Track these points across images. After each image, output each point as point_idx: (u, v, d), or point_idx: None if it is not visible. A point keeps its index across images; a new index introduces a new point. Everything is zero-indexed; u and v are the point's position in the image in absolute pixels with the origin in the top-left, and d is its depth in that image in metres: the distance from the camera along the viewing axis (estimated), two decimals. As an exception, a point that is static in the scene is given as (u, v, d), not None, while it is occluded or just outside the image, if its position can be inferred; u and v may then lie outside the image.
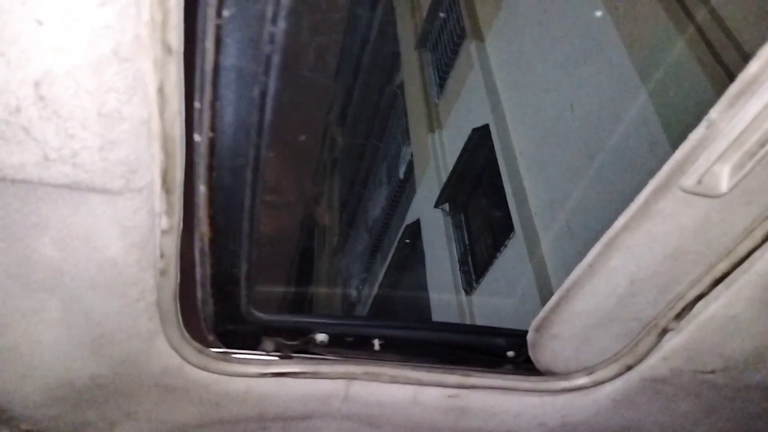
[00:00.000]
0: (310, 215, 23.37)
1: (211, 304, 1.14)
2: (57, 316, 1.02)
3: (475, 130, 7.93)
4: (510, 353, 1.30)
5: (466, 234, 8.58)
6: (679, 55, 5.27)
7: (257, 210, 1.05)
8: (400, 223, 11.67)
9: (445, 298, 8.51)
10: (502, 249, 7.38)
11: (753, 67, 0.77)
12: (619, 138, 5.86)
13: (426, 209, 9.72)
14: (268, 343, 1.24)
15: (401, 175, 12.07)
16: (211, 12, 0.75)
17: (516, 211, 7.07)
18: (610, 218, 1.01)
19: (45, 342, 1.06)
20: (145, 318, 1.04)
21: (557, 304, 1.14)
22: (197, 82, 0.82)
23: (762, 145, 0.83)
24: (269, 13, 0.78)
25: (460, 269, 8.24)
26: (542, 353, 1.26)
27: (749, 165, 0.85)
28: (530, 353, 1.26)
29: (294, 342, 1.25)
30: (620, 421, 1.38)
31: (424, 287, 9.55)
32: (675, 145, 0.89)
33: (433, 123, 9.84)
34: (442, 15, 10.05)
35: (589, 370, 1.28)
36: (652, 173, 0.93)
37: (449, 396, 1.32)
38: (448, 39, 9.56)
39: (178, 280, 1.02)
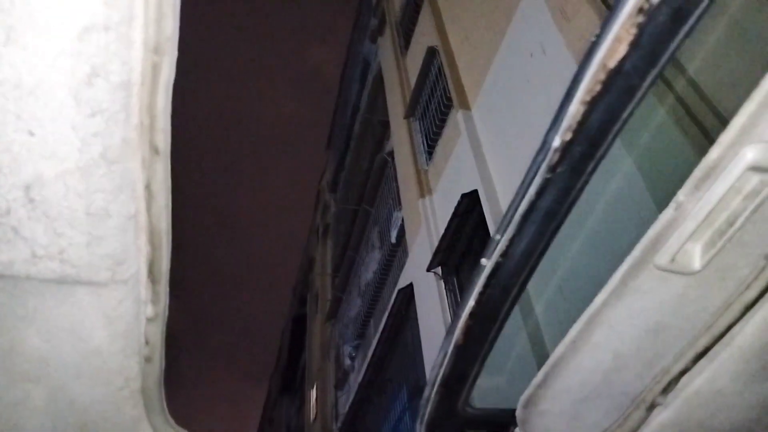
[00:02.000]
0: (301, 281, 23.23)
1: (434, 402, 1.24)
2: (42, 406, 1.01)
3: (464, 195, 8.03)
4: None
5: (459, 297, 8.54)
6: (660, 123, 5.43)
7: (506, 320, 1.18)
8: (393, 287, 11.60)
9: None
10: (495, 313, 7.32)
11: (714, 153, 0.80)
12: (606, 200, 5.96)
13: (419, 273, 9.69)
14: None
15: (393, 240, 12.09)
16: (544, 167, 0.87)
17: (508, 275, 7.06)
18: (601, 280, 1.03)
19: (29, 431, 1.05)
20: (129, 405, 1.03)
21: (543, 380, 1.14)
22: (506, 219, 0.97)
23: (731, 224, 0.86)
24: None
25: (454, 334, 8.14)
26: (533, 430, 1.24)
27: (720, 243, 0.88)
28: (520, 430, 1.25)
29: None
30: None
31: (419, 352, 9.40)
32: (661, 208, 0.93)
33: (424, 188, 9.97)
34: (429, 86, 10.36)
35: (580, 447, 1.26)
36: (640, 236, 0.96)
37: None
38: (435, 108, 9.82)
39: (163, 367, 1.02)
